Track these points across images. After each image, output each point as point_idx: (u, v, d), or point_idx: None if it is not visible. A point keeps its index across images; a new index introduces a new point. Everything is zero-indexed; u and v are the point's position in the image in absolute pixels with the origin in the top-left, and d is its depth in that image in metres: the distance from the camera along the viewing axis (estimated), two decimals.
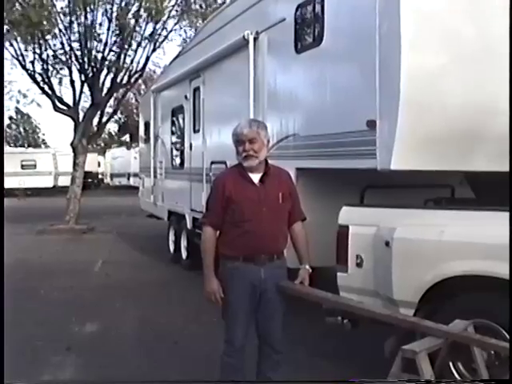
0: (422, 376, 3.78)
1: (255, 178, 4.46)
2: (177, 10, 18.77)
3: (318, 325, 5.76)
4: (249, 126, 4.46)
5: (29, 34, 16.97)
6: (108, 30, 18.38)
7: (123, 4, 18.06)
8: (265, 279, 4.44)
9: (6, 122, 62.08)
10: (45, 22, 16.18)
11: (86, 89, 19.21)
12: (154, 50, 19.50)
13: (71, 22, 17.91)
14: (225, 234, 4.50)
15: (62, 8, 17.49)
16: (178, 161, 11.82)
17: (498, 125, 5.08)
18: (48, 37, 18.09)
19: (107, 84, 19.35)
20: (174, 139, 12.12)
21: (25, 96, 22.69)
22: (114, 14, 18.22)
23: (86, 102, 21.04)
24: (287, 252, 4.66)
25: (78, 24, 17.95)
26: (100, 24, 18.32)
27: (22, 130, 67.77)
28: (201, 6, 18.82)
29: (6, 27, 16.39)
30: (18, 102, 24.16)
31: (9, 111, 50.10)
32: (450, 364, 4.44)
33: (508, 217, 4.08)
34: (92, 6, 17.60)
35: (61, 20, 17.79)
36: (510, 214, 4.04)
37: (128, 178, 43.00)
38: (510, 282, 3.98)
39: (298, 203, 4.72)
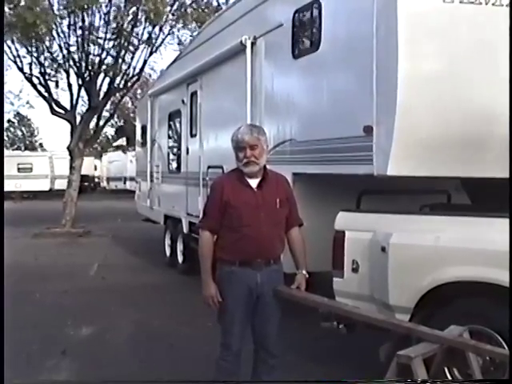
0: None
1: (253, 182, 4.47)
2: (173, 14, 18.77)
3: (313, 329, 5.76)
4: (250, 133, 4.47)
5: (24, 36, 16.95)
6: (105, 33, 18.44)
7: (121, 7, 18.10)
8: (261, 283, 4.44)
9: (4, 125, 61.91)
10: (38, 22, 16.08)
11: (83, 92, 19.24)
12: (151, 54, 19.54)
13: (69, 26, 17.95)
14: (222, 239, 4.50)
15: (58, 10, 17.49)
16: (174, 165, 11.81)
17: (495, 131, 5.09)
18: (45, 40, 18.07)
19: (104, 88, 19.42)
20: (171, 143, 12.12)
21: (17, 96, 22.63)
22: (112, 18, 18.26)
23: (83, 106, 21.07)
24: (284, 257, 4.67)
25: (76, 27, 17.98)
26: (97, 28, 18.36)
27: (19, 133, 67.67)
28: (194, 10, 18.77)
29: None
30: (12, 104, 24.11)
31: (7, 114, 50.08)
32: (446, 369, 4.44)
33: (504, 223, 4.08)
34: (89, 10, 17.61)
35: (58, 23, 17.80)
36: (510, 220, 4.05)
37: (124, 182, 42.95)
38: (510, 287, 3.99)
39: (296, 208, 4.72)
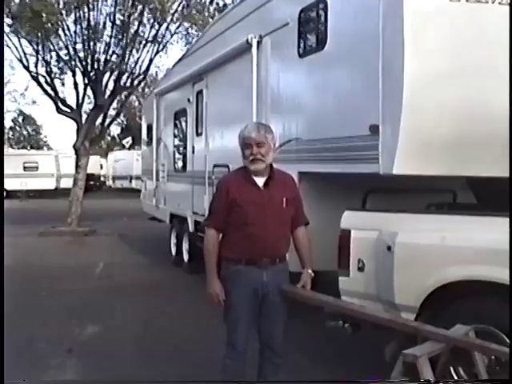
0: None
1: (260, 181, 4.47)
2: (180, 14, 18.77)
3: (319, 328, 5.76)
4: (257, 130, 4.47)
5: (31, 28, 16.97)
6: (111, 32, 18.46)
7: (127, 5, 18.12)
8: (267, 282, 4.44)
9: (9, 124, 62.24)
10: (44, 12, 16.12)
11: (89, 91, 19.24)
12: (157, 52, 19.53)
13: (75, 22, 17.96)
14: (228, 237, 4.51)
15: (64, 4, 17.51)
16: (180, 164, 11.82)
17: (501, 130, 5.07)
18: (51, 37, 18.09)
19: (110, 86, 19.43)
20: (177, 142, 12.13)
21: (23, 95, 22.75)
22: (117, 16, 18.31)
23: (89, 105, 21.07)
24: (289, 256, 4.67)
25: (81, 26, 17.99)
26: (103, 26, 18.39)
27: (24, 131, 67.87)
28: (198, 12, 18.76)
29: (8, 22, 16.52)
30: (16, 101, 24.17)
31: (9, 113, 50.24)
32: (451, 369, 4.44)
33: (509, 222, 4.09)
34: (95, 6, 17.65)
35: (64, 20, 17.84)
36: (511, 219, 4.05)
37: (130, 181, 43.00)
38: (510, 287, 3.99)
39: (302, 207, 4.73)
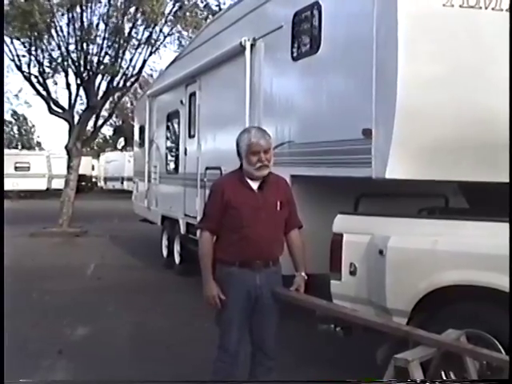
0: None
1: (254, 184, 4.48)
2: (173, 16, 18.77)
3: (311, 332, 5.76)
4: (264, 137, 4.49)
5: (22, 28, 16.93)
6: (104, 33, 18.43)
7: (120, 7, 18.11)
8: (260, 285, 4.45)
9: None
10: (35, 10, 16.07)
11: (81, 92, 19.20)
12: (150, 54, 19.53)
13: (68, 23, 17.95)
14: (222, 239, 4.51)
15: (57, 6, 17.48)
16: (172, 166, 11.81)
17: (493, 134, 5.09)
18: (44, 37, 18.05)
19: (103, 87, 19.39)
20: (169, 144, 12.11)
21: (16, 96, 22.64)
22: (110, 18, 18.26)
23: (81, 105, 21.02)
24: (283, 259, 4.67)
25: (74, 27, 17.95)
26: (96, 27, 18.37)
27: (16, 131, 67.57)
28: (191, 14, 18.75)
29: None
30: (10, 103, 24.10)
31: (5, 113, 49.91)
32: (443, 373, 4.44)
33: (502, 226, 4.09)
34: (88, 6, 17.62)
35: (57, 21, 17.84)
36: (510, 224, 4.05)
37: (122, 182, 42.88)
38: (510, 292, 3.99)
39: (295, 211, 4.74)
